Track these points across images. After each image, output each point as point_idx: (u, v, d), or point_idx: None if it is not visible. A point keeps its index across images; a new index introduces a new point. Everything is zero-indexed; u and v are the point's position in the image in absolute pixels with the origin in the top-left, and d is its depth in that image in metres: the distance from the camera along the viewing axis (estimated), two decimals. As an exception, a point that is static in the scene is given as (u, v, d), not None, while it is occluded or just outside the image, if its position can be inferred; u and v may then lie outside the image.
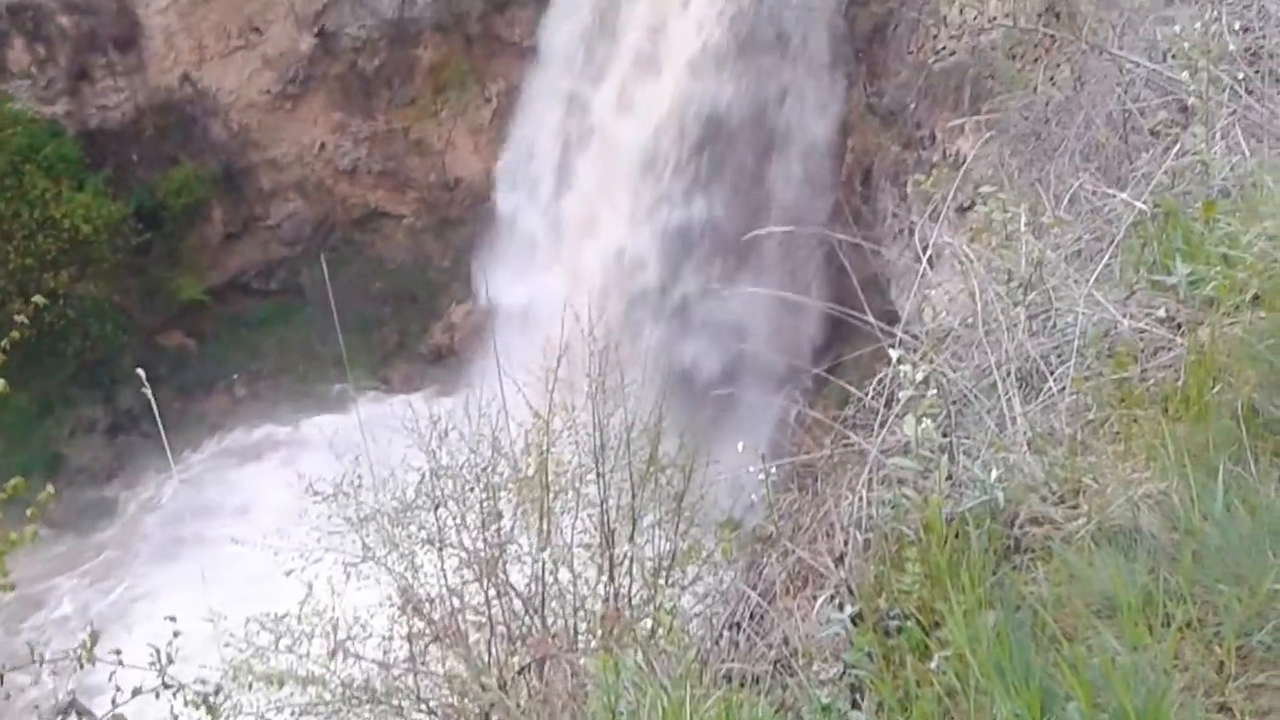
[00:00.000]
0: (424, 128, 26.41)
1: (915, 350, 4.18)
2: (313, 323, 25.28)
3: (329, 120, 26.09)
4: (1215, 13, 5.99)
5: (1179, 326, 3.78)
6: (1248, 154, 4.57)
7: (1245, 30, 5.99)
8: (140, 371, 5.38)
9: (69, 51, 23.49)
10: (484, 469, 10.84)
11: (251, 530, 22.69)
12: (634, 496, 10.55)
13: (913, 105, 16.20)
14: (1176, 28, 4.90)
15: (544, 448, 10.36)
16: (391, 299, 26.98)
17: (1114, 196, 4.43)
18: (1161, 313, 3.87)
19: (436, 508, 10.52)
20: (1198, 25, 4.89)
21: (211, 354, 26.37)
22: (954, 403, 4.09)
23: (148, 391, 5.08)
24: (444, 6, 25.01)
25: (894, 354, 3.79)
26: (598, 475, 10.52)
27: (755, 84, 18.99)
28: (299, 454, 24.35)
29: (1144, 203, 4.12)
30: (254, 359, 26.54)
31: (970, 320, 4.34)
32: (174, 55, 24.45)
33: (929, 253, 6.11)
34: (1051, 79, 7.37)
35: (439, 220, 27.21)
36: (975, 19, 10.25)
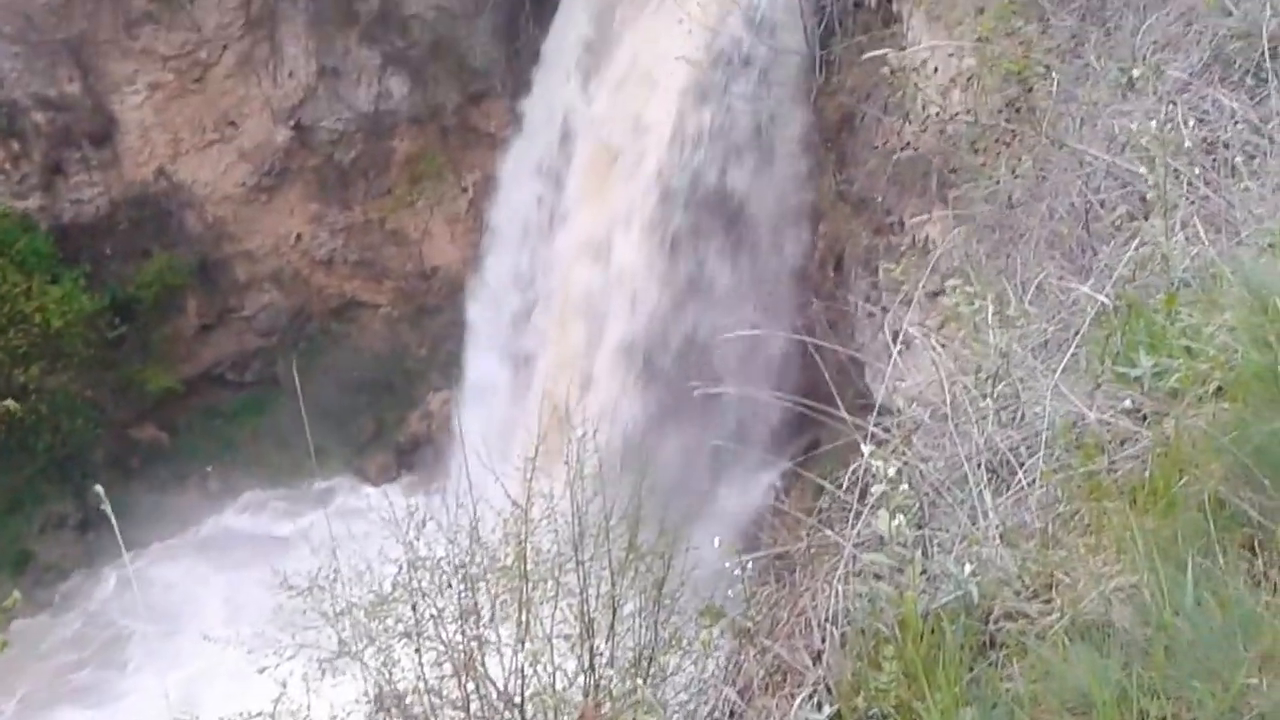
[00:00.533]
0: (400, 218, 26.57)
1: (887, 443, 4.23)
2: (288, 414, 25.12)
3: (305, 211, 26.21)
4: (1171, 105, 6.16)
5: (1145, 418, 3.83)
6: (1207, 244, 4.67)
7: (1201, 121, 6.15)
8: (98, 489, 5.37)
9: (43, 147, 23.55)
10: (462, 561, 10.78)
11: (224, 626, 22.53)
12: (613, 585, 10.50)
13: (881, 193, 16.42)
14: (1133, 124, 5.03)
15: (522, 537, 10.33)
16: (368, 388, 26.91)
17: (1076, 287, 4.51)
18: (1128, 404, 3.93)
19: (414, 605, 10.45)
20: (1154, 120, 5.02)
21: (184, 447, 26.18)
22: (926, 495, 4.13)
23: (107, 509, 5.08)
24: (420, 99, 25.29)
25: (866, 449, 3.83)
26: (577, 564, 10.49)
27: (726, 173, 19.21)
28: (273, 547, 24.14)
29: (1106, 295, 4.20)
30: (228, 451, 26.38)
31: (940, 412, 4.39)
32: (149, 149, 24.56)
33: (899, 343, 6.18)
34: (1014, 171, 7.52)
35: (416, 309, 27.29)
36: (939, 113, 10.46)
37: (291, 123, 24.92)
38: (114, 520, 5.31)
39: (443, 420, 25.65)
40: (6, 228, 23.04)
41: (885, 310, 16.61)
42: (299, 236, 26.30)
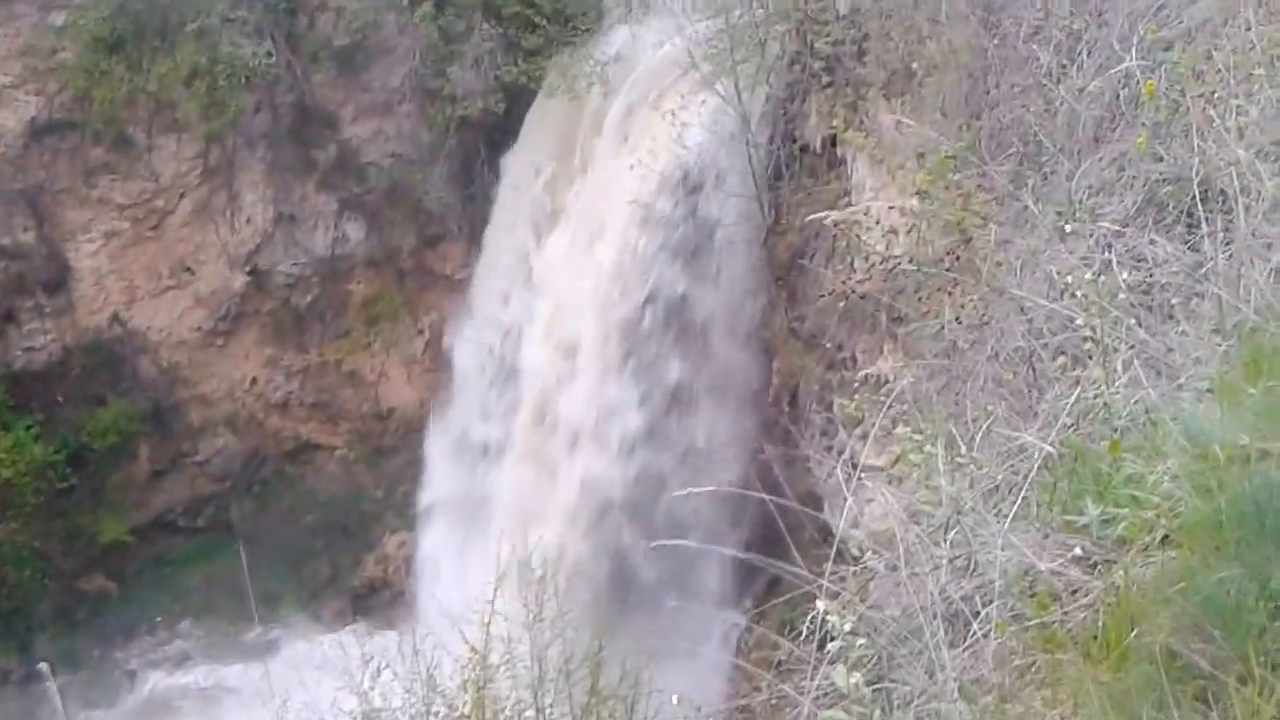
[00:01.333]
0: (357, 360, 26.58)
1: (843, 594, 4.24)
2: (241, 560, 24.75)
3: (261, 355, 26.17)
4: (1107, 250, 6.35)
5: (1095, 566, 3.87)
6: (1150, 390, 4.77)
7: (1136, 266, 6.33)
8: (42, 666, 5.26)
9: (-5, 296, 23.49)
10: (419, 711, 10.56)
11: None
12: (576, 732, 10.31)
13: (833, 330, 16.66)
14: (1069, 275, 5.18)
15: (480, 684, 10.15)
16: (323, 532, 26.59)
17: (1022, 436, 4.59)
18: (1078, 551, 3.97)
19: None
20: (1090, 267, 5.17)
21: (134, 597, 25.58)
22: (884, 647, 4.13)
23: (53, 687, 4.97)
24: (376, 243, 25.52)
25: (821, 605, 3.84)
26: (537, 711, 10.30)
27: (681, 312, 19.44)
28: (224, 699, 23.59)
29: (1051, 444, 4.27)
30: (178, 600, 25.81)
31: (894, 563, 4.42)
32: (104, 296, 24.53)
33: (856, 477, 6.23)
34: (958, 318, 7.68)
35: (372, 450, 27.12)
36: (884, 259, 10.73)
37: (248, 268, 25.03)
38: (58, 700, 5.18)
39: (399, 563, 25.34)
40: (-42, 376, 22.80)
41: (840, 449, 16.76)
42: (254, 380, 26.21)
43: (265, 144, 24.37)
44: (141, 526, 25.84)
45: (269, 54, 23.02)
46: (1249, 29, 7.30)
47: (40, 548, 24.14)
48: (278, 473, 27.09)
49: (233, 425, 26.48)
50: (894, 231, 11.18)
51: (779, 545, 6.55)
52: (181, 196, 24.23)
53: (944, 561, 4.25)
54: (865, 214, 11.55)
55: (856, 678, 3.49)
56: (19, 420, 23.42)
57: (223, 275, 25.01)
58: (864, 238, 10.48)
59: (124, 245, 24.28)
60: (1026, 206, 8.49)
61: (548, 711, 10.35)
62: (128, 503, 25.66)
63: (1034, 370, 6.19)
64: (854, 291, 12.93)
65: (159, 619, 25.41)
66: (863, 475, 6.36)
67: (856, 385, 14.96)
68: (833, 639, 3.85)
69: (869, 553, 4.80)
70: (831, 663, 3.81)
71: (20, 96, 22.80)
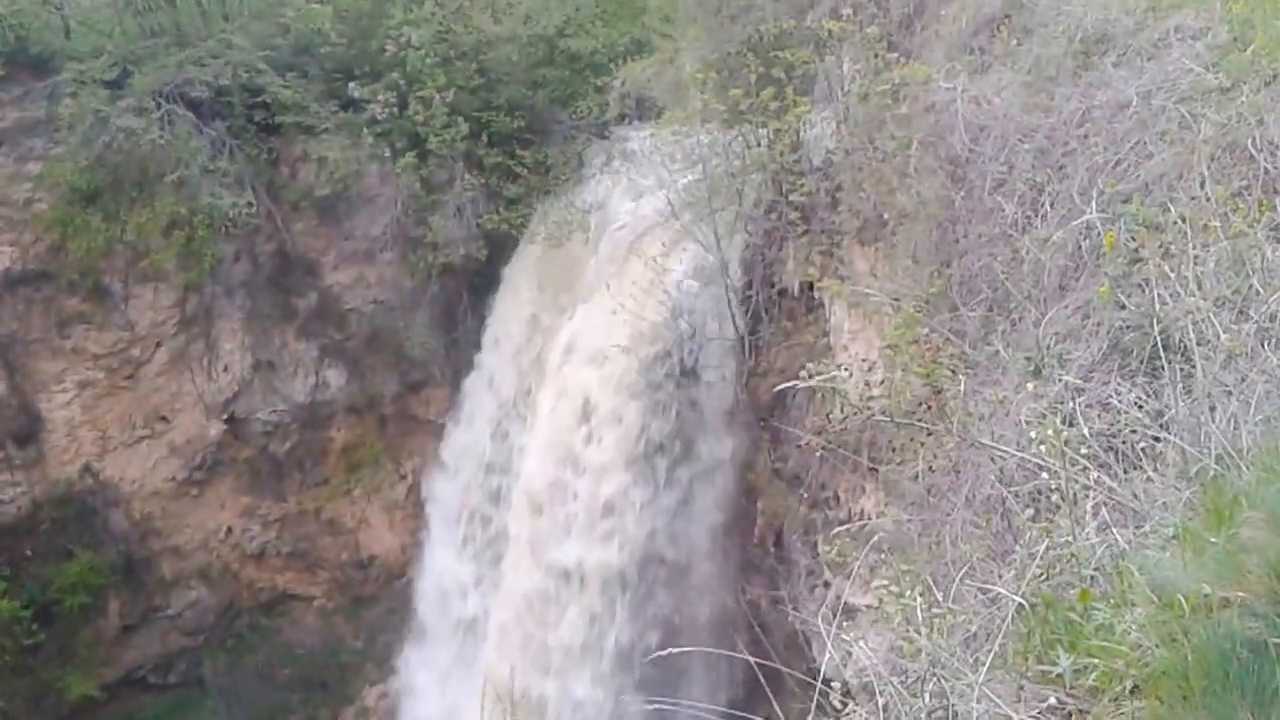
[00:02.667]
0: (336, 507, 26.35)
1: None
2: (215, 717, 24.22)
3: (237, 504, 25.89)
4: (1075, 396, 6.49)
5: (1069, 716, 3.91)
6: (1117, 537, 4.86)
7: (1104, 411, 6.47)
8: None
9: (-35, 457, 23.12)
10: None
11: None
12: None
13: (815, 469, 16.76)
14: (1033, 432, 5.31)
15: None
16: (300, 685, 26.05)
17: (994, 588, 4.67)
18: (1052, 701, 4.02)
19: None
20: (1057, 415, 5.30)
21: (102, 757, 24.95)
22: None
23: None
24: (357, 389, 25.51)
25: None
26: None
27: (666, 458, 19.55)
28: None
29: (1022, 595, 4.35)
30: (149, 760, 25.18)
31: (874, 718, 4.45)
32: (76, 447, 24.25)
33: (840, 617, 6.27)
34: (930, 467, 7.80)
35: (352, 600, 26.73)
36: (860, 409, 10.91)
37: (225, 416, 24.93)
38: None
39: (381, 716, 24.84)
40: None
41: (827, 585, 16.75)
42: (230, 530, 25.90)
43: (244, 292, 24.47)
44: (111, 683, 25.19)
45: (249, 204, 23.20)
46: (1203, 184, 7.59)
47: (4, 708, 23.45)
48: (253, 625, 26.61)
49: (206, 577, 26.05)
50: (869, 384, 11.38)
51: (771, 684, 6.56)
52: (158, 345, 24.19)
53: (923, 715, 4.29)
54: (840, 368, 11.76)
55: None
56: (-15, 576, 22.85)
57: (199, 424, 24.86)
58: (840, 390, 10.65)
59: (97, 395, 24.13)
60: (997, 351, 8.68)
61: None
62: (96, 659, 25.01)
63: (1006, 517, 6.29)
64: (831, 442, 13.09)
65: (128, 780, 24.71)
66: (846, 622, 6.39)
67: (839, 527, 15.05)
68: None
69: (851, 704, 4.83)
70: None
71: (-7, 247, 22.76)
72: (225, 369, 24.76)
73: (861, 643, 4.75)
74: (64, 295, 23.43)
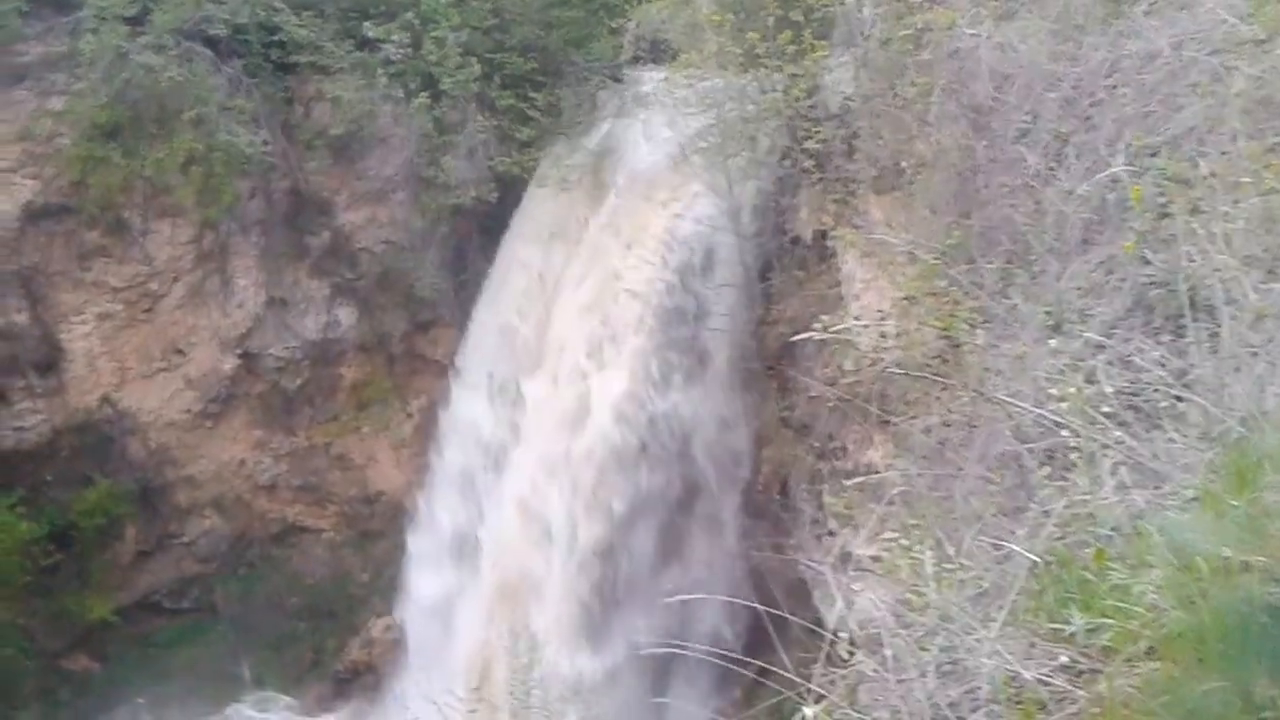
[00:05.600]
0: (345, 443, 26.55)
1: (829, 698, 4.23)
2: (225, 642, 24.55)
3: (249, 437, 26.12)
4: (1095, 352, 6.42)
5: (1081, 675, 3.88)
6: (1136, 497, 4.81)
7: (1125, 368, 6.39)
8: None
9: (-13, 376, 23.44)
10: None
11: None
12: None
13: (823, 420, 16.71)
14: (1054, 387, 5.24)
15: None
16: (308, 615, 26.36)
17: (1008, 544, 4.62)
18: (1064, 659, 3.99)
19: None
20: (1078, 373, 5.23)
21: (116, 677, 25.19)
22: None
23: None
24: (367, 327, 25.62)
25: (809, 712, 3.83)
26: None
27: (672, 400, 19.53)
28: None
29: (1036, 553, 4.30)
30: (161, 681, 25.43)
31: (883, 667, 4.42)
32: (95, 377, 24.47)
33: (848, 569, 6.24)
34: (945, 421, 7.73)
35: (359, 534, 26.99)
36: (873, 361, 10.82)
37: (239, 351, 25.07)
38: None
39: (385, 647, 25.12)
40: (-55, 454, 22.70)
41: (832, 535, 16.77)
42: (242, 462, 26.13)
43: (259, 230, 24.52)
44: (127, 607, 25.56)
45: (265, 142, 23.21)
46: (1235, 139, 7.45)
47: (24, 626, 23.82)
48: (264, 555, 26.92)
49: (220, 507, 26.36)
50: (883, 335, 11.29)
51: (773, 627, 6.55)
52: (175, 280, 24.31)
53: (931, 667, 4.26)
54: (855, 319, 11.66)
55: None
56: (4, 498, 23.19)
57: (214, 358, 25.04)
58: (854, 340, 10.57)
59: (116, 327, 24.31)
60: (1016, 305, 8.57)
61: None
62: (112, 583, 25.38)
63: (1021, 474, 6.23)
64: (843, 394, 13.03)
65: (141, 700, 25.06)
66: (852, 572, 6.36)
67: (848, 471, 15.03)
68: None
69: (858, 654, 4.80)
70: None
71: (17, 180, 22.91)
72: (240, 305, 24.91)
73: (871, 596, 4.71)
74: (85, 229, 23.53)
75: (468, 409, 23.26)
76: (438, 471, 24.00)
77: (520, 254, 22.85)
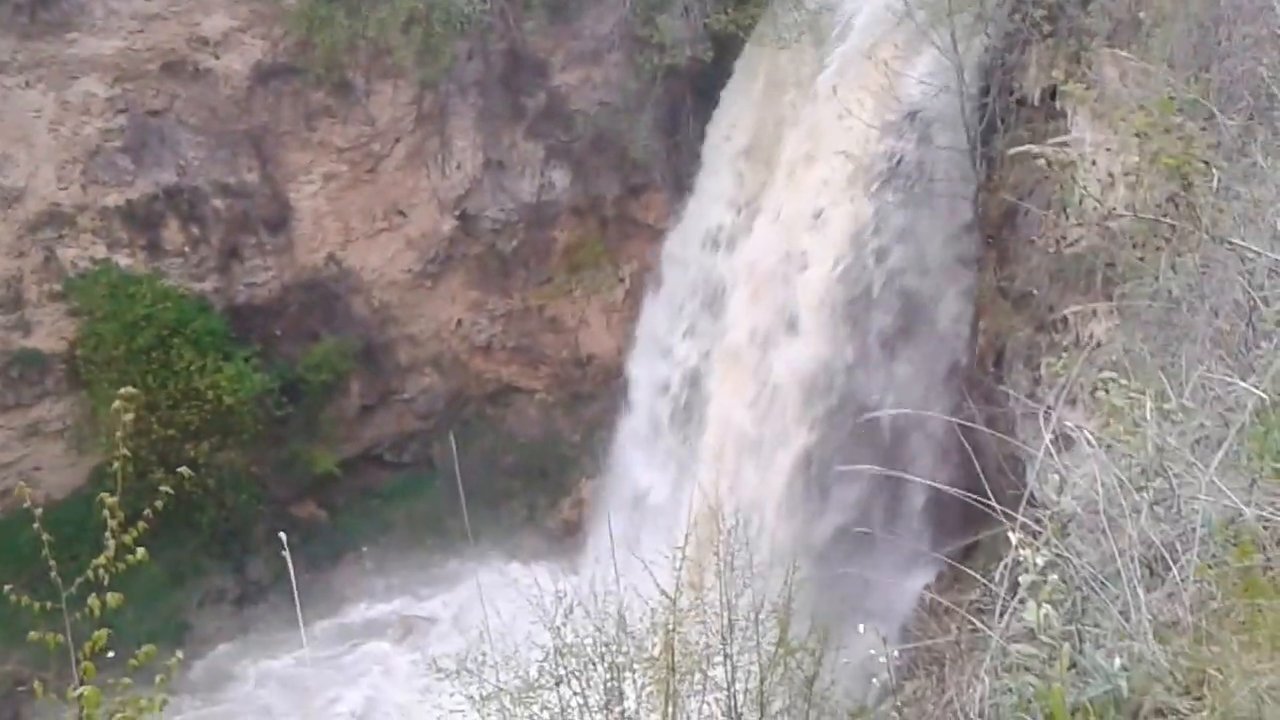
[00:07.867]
0: (558, 306, 27.01)
1: (1039, 535, 4.16)
2: (442, 496, 25.51)
3: (466, 298, 26.82)
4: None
5: (1307, 515, 3.71)
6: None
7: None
8: (282, 535, 5.58)
9: (221, 232, 24.52)
10: (608, 647, 10.78)
11: (375, 707, 22.81)
12: (762, 681, 10.36)
13: (1044, 289, 16.16)
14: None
15: (670, 627, 10.27)
16: (521, 473, 27.19)
17: (1234, 381, 4.40)
18: (1290, 500, 3.81)
19: (558, 683, 10.46)
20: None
21: (341, 525, 26.66)
22: (1079, 589, 4.04)
23: (287, 556, 5.26)
24: (580, 191, 25.85)
25: (1014, 538, 3.78)
26: (725, 657, 10.38)
27: (889, 268, 19.18)
28: (424, 628, 24.46)
29: (1264, 391, 4.09)
30: (383, 532, 26.73)
31: (1094, 506, 4.31)
32: (321, 236, 25.43)
33: (1053, 435, 6.07)
34: (1174, 268, 7.35)
35: (570, 396, 27.58)
36: (1097, 209, 10.31)
37: (457, 212, 25.64)
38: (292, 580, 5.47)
39: (594, 507, 25.73)
40: (184, 308, 23.91)
41: (1049, 409, 16.28)
42: (460, 322, 26.89)
43: (476, 91, 24.83)
44: (350, 459, 26.91)
45: (483, 1, 23.38)
46: None
47: (257, 473, 25.26)
48: (479, 414, 27.79)
49: (438, 365, 27.25)
50: (1113, 179, 10.73)
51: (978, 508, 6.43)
52: (396, 141, 24.91)
53: (1145, 507, 4.13)
54: (1082, 157, 11.11)
55: (1047, 609, 3.43)
56: (239, 351, 24.41)
57: (433, 219, 25.68)
58: (1083, 184, 10.08)
59: (341, 187, 25.09)
60: (1256, 163, 8.05)
61: (735, 659, 10.43)
62: (338, 436, 26.71)
63: (1253, 325, 5.90)
64: (1072, 241, 12.46)
65: (365, 548, 26.36)
66: (1068, 439, 6.18)
67: (1066, 346, 14.54)
68: (1023, 577, 3.78)
69: (1068, 497, 4.68)
70: (1022, 601, 3.76)
71: (247, 40, 23.60)
72: (458, 167, 25.39)
73: (1085, 435, 4.57)
74: (311, 89, 24.21)
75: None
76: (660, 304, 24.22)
77: (739, 114, 22.58)
